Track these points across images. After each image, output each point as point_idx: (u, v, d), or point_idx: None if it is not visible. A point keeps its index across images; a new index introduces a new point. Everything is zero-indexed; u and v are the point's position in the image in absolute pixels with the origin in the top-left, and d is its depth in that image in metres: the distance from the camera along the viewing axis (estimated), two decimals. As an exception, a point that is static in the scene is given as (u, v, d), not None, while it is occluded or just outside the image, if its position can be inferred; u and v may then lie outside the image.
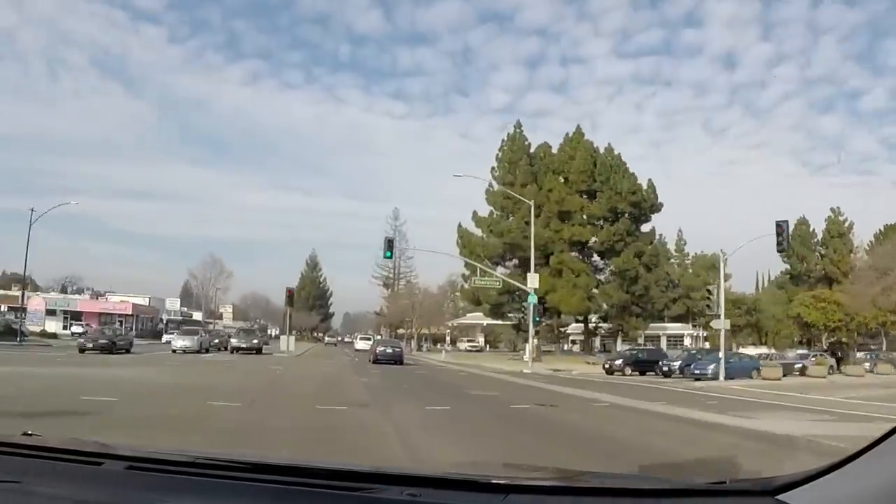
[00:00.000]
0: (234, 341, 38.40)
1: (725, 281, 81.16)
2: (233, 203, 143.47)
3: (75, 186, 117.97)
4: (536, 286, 32.68)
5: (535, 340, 53.54)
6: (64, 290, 79.59)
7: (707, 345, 64.49)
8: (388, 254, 31.31)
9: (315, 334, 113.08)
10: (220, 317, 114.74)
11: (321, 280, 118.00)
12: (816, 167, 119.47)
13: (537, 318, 35.72)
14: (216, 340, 41.31)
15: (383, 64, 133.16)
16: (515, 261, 54.07)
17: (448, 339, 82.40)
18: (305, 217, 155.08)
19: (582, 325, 60.78)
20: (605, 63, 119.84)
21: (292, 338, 41.96)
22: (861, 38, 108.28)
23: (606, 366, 31.21)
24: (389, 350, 34.81)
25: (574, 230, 51.87)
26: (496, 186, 55.41)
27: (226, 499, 1.47)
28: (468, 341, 74.26)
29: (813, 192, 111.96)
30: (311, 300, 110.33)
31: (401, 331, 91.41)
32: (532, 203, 36.98)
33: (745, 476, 1.51)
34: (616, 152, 54.99)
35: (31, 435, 1.82)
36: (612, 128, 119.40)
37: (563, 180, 53.14)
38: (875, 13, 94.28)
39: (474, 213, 56.08)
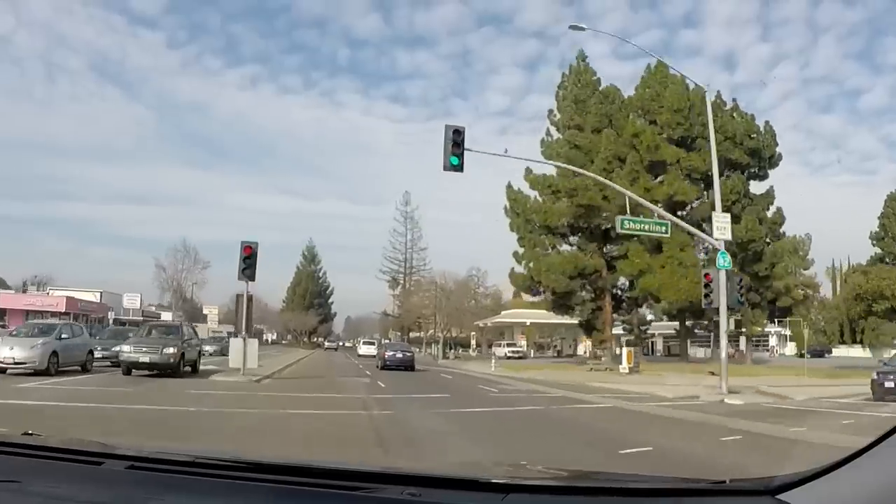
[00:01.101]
0: (125, 351, 22.54)
1: (807, 269, 79.54)
2: (231, 206, 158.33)
3: (73, 191, 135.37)
4: (728, 236, 23.73)
5: (610, 342, 46.94)
6: (24, 290, 78.57)
7: (793, 345, 62.35)
8: (455, 160, 19.79)
9: (314, 339, 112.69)
10: (205, 319, 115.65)
11: (320, 275, 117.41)
12: (816, 167, 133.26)
13: (741, 300, 24.58)
14: (116, 348, 25.56)
15: (382, 67, 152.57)
16: (581, 233, 47.39)
17: (474, 342, 78.77)
18: (305, 220, 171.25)
19: (660, 319, 52.99)
20: (604, 64, 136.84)
21: (254, 343, 25.69)
22: (860, 37, 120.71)
23: (891, 384, 21.13)
24: (400, 355, 36.33)
25: (676, 187, 43.26)
26: (556, 135, 48.74)
27: (226, 498, 1.69)
28: (508, 345, 69.64)
29: (813, 192, 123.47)
30: (308, 298, 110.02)
31: (414, 334, 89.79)
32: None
33: (745, 476, 1.72)
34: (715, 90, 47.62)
35: (31, 434, 2.08)
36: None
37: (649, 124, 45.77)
38: (874, 11, 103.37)
39: (527, 170, 48.39)
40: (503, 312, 79.09)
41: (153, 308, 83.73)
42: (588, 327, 51.29)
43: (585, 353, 68.63)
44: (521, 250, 48.73)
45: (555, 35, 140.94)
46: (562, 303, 48.80)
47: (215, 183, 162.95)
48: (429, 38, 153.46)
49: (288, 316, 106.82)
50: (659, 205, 40.01)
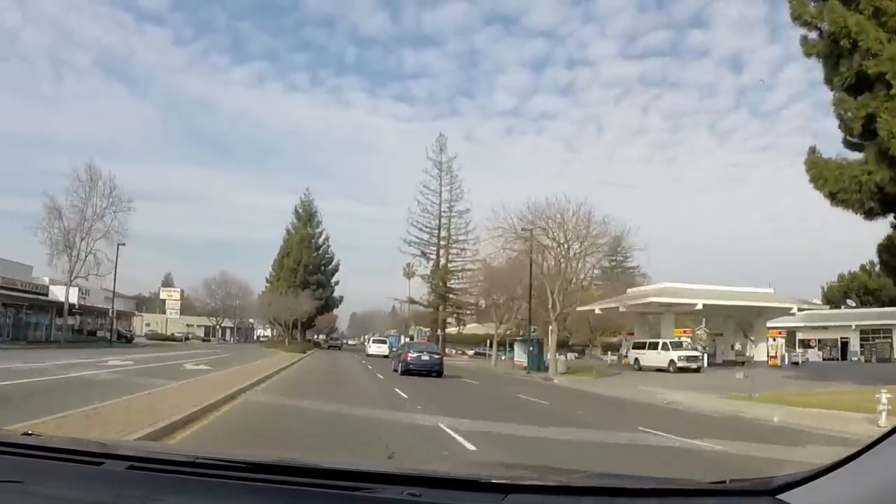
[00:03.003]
0: None
1: None
2: (236, 204, 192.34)
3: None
4: None
5: None
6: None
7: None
8: None
9: (310, 335, 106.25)
10: (163, 308, 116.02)
11: (320, 242, 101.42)
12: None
13: None
14: None
15: (389, 66, 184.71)
16: None
17: (550, 337, 50.60)
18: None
19: None
20: (611, 65, 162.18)
21: None
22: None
23: None
24: (426, 357, 37.84)
25: None
26: None
27: (226, 499, 2.16)
28: (673, 346, 51.51)
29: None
30: (301, 273, 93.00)
31: (454, 329, 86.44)
32: None
33: (745, 476, 2.19)
34: None
35: (31, 435, 2.61)
36: (618, 129, 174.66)
37: None
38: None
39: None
40: (636, 290, 63.29)
41: (46, 280, 65.93)
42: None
43: (755, 355, 58.06)
44: (850, 105, 25.90)
45: (562, 35, 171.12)
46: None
47: (220, 180, 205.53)
48: (436, 37, 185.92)
49: (270, 298, 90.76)
50: None
